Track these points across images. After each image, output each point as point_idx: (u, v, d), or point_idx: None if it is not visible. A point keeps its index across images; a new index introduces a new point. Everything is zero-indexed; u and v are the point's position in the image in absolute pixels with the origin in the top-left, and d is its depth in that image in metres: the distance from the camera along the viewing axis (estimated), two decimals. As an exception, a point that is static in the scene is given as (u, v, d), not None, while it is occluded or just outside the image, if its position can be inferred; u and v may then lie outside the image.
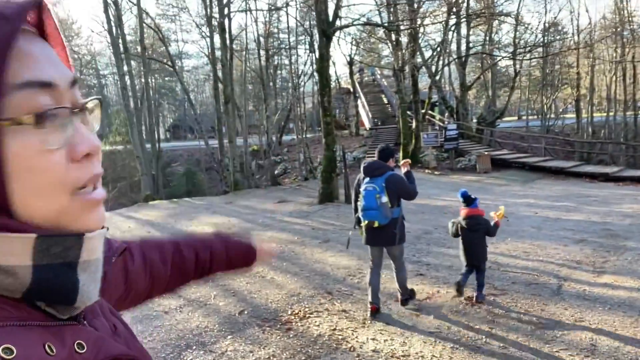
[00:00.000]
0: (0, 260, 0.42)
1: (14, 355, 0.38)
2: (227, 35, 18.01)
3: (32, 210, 0.43)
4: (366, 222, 4.18)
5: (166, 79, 41.83)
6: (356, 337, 3.89)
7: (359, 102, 28.07)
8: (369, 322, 4.19)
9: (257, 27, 27.50)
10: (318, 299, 4.81)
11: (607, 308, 4.24)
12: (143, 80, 22.84)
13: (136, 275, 0.82)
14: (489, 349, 3.57)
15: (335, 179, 11.88)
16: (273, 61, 30.69)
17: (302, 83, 26.83)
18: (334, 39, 14.50)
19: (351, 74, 28.62)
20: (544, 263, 5.71)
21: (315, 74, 19.11)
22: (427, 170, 16.51)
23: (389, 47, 22.97)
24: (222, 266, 1.00)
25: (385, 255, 4.40)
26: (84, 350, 0.45)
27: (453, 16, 19.53)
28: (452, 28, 22.60)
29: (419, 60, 20.26)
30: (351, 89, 29.50)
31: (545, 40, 27.46)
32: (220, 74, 18.37)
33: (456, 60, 24.24)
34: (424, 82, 28.37)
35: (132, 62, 24.99)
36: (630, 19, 28.45)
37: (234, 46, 22.34)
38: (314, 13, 14.22)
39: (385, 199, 4.10)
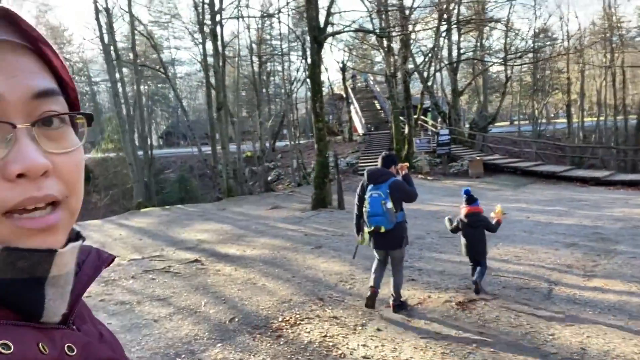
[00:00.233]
0: None
1: (11, 350, 0.38)
2: (219, 42, 18.02)
3: None
4: (372, 227, 4.35)
5: (159, 85, 41.66)
6: (347, 344, 3.86)
7: (352, 108, 28.14)
8: (360, 328, 4.17)
9: (249, 34, 27.45)
10: (309, 306, 4.78)
11: (598, 312, 4.25)
12: (135, 87, 22.81)
13: None
14: (480, 353, 3.56)
15: (328, 185, 11.87)
16: (266, 67, 30.75)
17: (295, 89, 26.84)
18: (326, 45, 14.59)
19: (344, 80, 28.70)
20: (535, 267, 5.74)
21: (307, 80, 19.17)
22: (419, 176, 16.54)
23: (381, 54, 23.12)
24: None
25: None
26: (74, 353, 0.45)
27: (444, 23, 19.70)
28: (443, 34, 22.78)
29: (411, 66, 20.41)
30: (344, 95, 29.55)
31: (536, 46, 27.75)
32: (212, 80, 18.38)
33: (448, 66, 24.44)
34: (416, 87, 28.53)
35: (125, 69, 24.98)
36: (619, 24, 28.88)
37: (227, 53, 22.33)
38: (305, 20, 14.29)
39: (390, 204, 4.28)
